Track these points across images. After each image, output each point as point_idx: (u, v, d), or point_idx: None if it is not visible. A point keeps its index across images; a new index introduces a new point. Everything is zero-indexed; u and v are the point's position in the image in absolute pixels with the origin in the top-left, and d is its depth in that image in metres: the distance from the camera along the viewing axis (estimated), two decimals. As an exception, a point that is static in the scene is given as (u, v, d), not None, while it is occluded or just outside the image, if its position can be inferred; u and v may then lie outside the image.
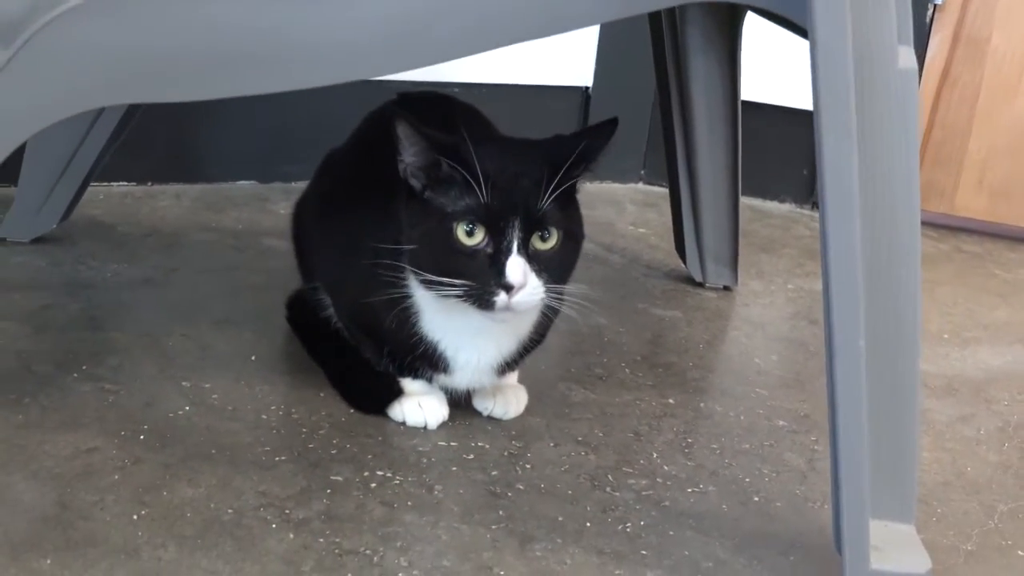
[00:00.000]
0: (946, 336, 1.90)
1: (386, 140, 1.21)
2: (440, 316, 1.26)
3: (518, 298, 1.15)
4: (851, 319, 1.02)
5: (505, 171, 1.17)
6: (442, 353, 1.29)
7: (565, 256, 1.20)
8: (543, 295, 1.17)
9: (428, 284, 1.19)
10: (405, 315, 1.27)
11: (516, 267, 1.15)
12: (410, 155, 1.19)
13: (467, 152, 1.16)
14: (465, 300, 1.17)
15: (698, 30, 1.76)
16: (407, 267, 1.22)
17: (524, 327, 1.31)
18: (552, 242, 1.18)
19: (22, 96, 1.06)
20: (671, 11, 1.77)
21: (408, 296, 1.26)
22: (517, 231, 1.15)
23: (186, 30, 1.05)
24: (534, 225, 1.16)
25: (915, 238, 1.09)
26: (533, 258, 1.16)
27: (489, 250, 1.16)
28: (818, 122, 0.99)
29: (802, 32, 1.03)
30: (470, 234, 1.16)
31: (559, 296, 1.20)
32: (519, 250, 1.15)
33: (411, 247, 1.20)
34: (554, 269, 1.18)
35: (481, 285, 1.15)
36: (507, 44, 1.07)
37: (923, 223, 2.52)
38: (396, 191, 1.24)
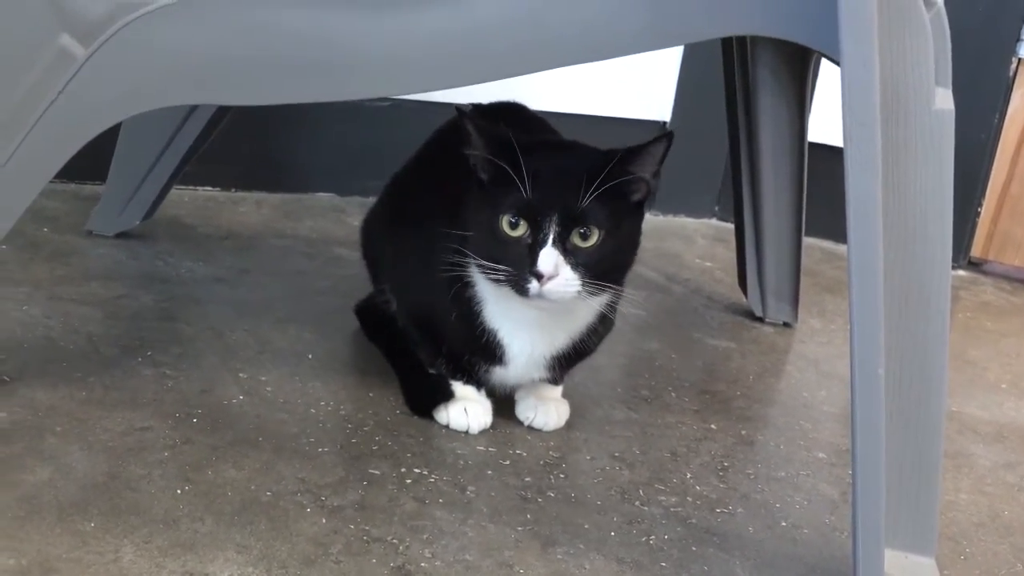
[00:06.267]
0: (1004, 386, 1.89)
1: (452, 149, 1.30)
2: (500, 306, 1.34)
3: (549, 287, 1.22)
4: (872, 348, 1.04)
5: (549, 170, 1.25)
6: (499, 342, 1.36)
7: (606, 255, 1.26)
8: (579, 288, 1.24)
9: (480, 269, 1.28)
10: (469, 306, 1.34)
11: (548, 258, 1.22)
12: (474, 150, 1.28)
13: (514, 151, 1.23)
14: (506, 284, 1.25)
15: (768, 70, 1.79)
16: (467, 252, 1.29)
17: (576, 325, 1.36)
18: (592, 240, 1.24)
19: (96, 92, 1.14)
20: (743, 50, 1.80)
21: (472, 286, 1.33)
22: (554, 226, 1.23)
23: (254, 36, 1.12)
24: (573, 222, 1.23)
25: (946, 275, 1.12)
26: (571, 253, 1.23)
27: (528, 241, 1.24)
28: (845, 154, 1.02)
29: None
30: (513, 226, 1.24)
31: (600, 291, 1.28)
32: (554, 243, 1.23)
33: (469, 233, 1.29)
34: (593, 266, 1.24)
35: (519, 271, 1.23)
36: (553, 68, 1.13)
37: (998, 275, 2.57)
38: (460, 194, 1.32)
